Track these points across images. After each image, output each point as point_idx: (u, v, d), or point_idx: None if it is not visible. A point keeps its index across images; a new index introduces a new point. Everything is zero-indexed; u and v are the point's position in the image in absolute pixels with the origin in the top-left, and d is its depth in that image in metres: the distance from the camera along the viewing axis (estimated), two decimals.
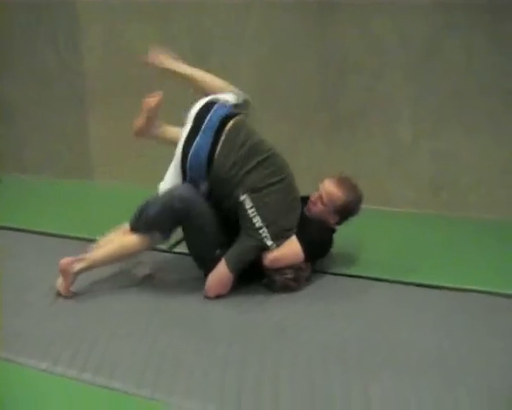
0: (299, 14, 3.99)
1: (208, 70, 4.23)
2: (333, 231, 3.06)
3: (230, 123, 2.96)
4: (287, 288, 2.89)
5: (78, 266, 2.89)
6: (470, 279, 2.94)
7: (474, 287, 2.86)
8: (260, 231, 2.82)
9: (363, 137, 3.96)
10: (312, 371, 2.27)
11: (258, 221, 2.83)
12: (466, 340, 2.45)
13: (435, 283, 2.92)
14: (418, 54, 3.78)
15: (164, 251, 3.31)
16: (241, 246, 2.86)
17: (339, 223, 3.05)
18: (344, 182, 3.01)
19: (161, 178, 3.00)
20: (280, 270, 2.87)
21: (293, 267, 2.88)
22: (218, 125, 2.94)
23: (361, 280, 2.99)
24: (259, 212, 2.83)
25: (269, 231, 2.82)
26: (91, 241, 3.08)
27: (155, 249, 3.34)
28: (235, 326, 2.60)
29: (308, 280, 2.96)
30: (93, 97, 4.73)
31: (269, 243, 2.83)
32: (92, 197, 4.50)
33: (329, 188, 2.98)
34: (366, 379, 2.21)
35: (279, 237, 2.85)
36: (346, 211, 3.00)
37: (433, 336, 2.49)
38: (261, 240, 2.82)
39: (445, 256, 3.23)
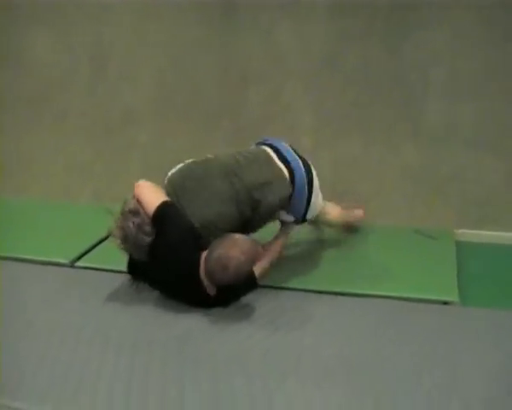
0: (201, 20, 3.97)
1: (107, 80, 4.18)
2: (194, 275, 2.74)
3: None
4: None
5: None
6: (371, 286, 3.00)
7: (375, 293, 2.93)
8: None
9: None
10: (216, 382, 2.26)
11: None
12: (368, 345, 2.50)
13: (336, 290, 2.96)
14: (318, 62, 3.85)
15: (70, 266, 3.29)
16: None
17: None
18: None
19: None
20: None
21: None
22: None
23: (264, 289, 2.97)
24: None
25: None
26: None
27: (57, 264, 3.28)
28: (138, 337, 2.56)
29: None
30: None
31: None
32: None
33: None
34: (270, 388, 2.22)
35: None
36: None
37: (335, 342, 2.53)
38: None
39: (346, 263, 3.30)
